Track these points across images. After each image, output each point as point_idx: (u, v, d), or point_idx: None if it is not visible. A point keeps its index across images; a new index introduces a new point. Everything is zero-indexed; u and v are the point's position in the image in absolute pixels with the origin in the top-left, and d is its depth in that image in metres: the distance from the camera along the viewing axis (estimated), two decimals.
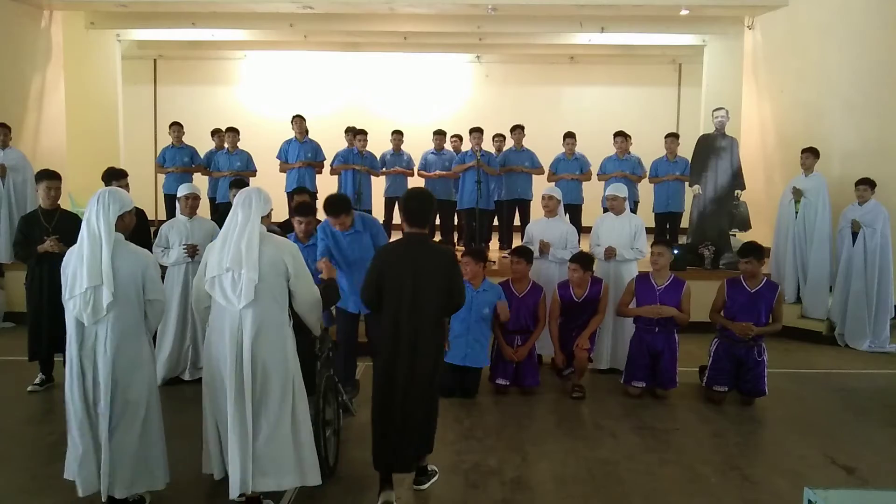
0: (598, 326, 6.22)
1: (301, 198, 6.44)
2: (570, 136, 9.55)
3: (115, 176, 6.21)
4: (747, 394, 5.81)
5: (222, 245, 3.71)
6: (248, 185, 6.83)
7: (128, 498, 3.79)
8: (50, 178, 5.82)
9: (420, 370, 3.91)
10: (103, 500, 3.70)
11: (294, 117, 9.72)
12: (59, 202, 5.93)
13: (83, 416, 3.67)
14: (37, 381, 5.93)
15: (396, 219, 10.18)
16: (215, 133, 9.98)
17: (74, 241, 5.47)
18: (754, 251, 5.91)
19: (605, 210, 6.82)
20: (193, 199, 6.14)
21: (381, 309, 3.99)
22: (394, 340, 3.91)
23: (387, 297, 3.93)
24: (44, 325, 5.76)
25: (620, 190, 6.63)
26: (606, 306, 6.17)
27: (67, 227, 5.79)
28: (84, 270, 3.57)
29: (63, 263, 3.73)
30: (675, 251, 8.51)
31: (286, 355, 3.74)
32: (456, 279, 4.03)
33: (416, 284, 3.89)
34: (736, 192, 8.62)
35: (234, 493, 3.64)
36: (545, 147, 9.90)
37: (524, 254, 6.14)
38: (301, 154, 9.57)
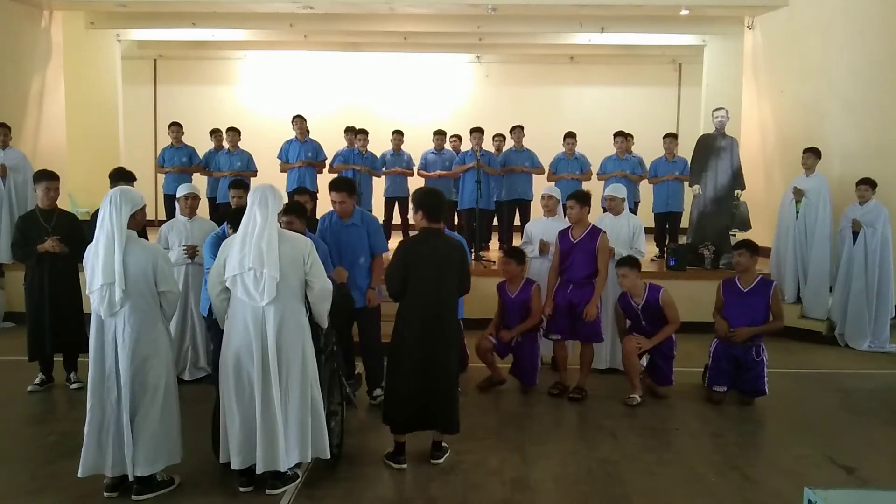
0: (602, 294, 5.89)
1: (301, 198, 6.42)
2: (570, 135, 9.55)
3: (123, 177, 6.20)
4: (747, 394, 5.81)
5: (242, 244, 3.95)
6: (248, 185, 6.83)
7: (156, 477, 4.02)
8: (49, 178, 5.83)
9: (447, 342, 4.42)
10: (130, 478, 3.94)
11: (294, 117, 9.72)
12: (57, 202, 5.93)
13: (97, 400, 3.90)
14: (37, 381, 5.94)
15: (396, 218, 10.29)
16: (214, 133, 9.98)
17: (73, 241, 5.53)
18: (747, 245, 5.93)
19: (605, 210, 6.81)
20: (193, 199, 6.14)
21: (404, 298, 4.42)
22: (422, 320, 4.36)
23: (413, 284, 4.38)
24: (45, 325, 5.77)
25: (619, 191, 6.61)
26: (607, 265, 5.86)
27: (66, 226, 5.80)
28: (99, 268, 3.82)
29: (84, 259, 3.97)
30: (674, 255, 8.54)
31: (304, 344, 4.06)
32: (466, 267, 4.62)
33: (439, 272, 4.41)
34: (736, 192, 8.62)
35: (261, 468, 3.96)
36: (545, 147, 9.90)
37: (514, 254, 6.10)
38: (302, 154, 9.57)
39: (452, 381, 4.52)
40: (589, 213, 5.95)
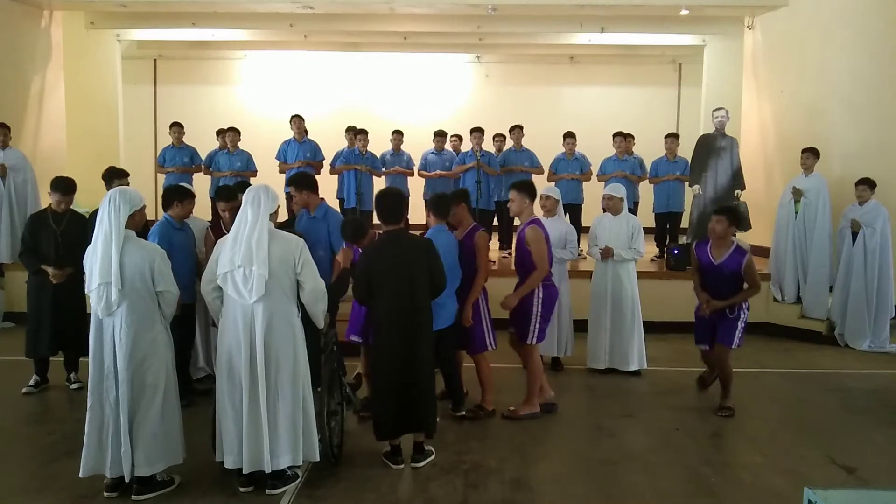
0: (480, 293, 5.37)
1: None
2: (570, 136, 9.55)
3: (116, 175, 6.20)
4: (718, 342, 5.63)
5: (233, 242, 3.96)
6: (249, 186, 6.83)
7: (156, 477, 4.02)
8: (64, 192, 5.76)
9: (422, 341, 4.39)
10: (126, 480, 3.93)
11: (292, 117, 9.71)
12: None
13: (96, 400, 3.92)
14: (31, 382, 5.92)
15: None
16: (220, 133, 9.97)
17: (82, 242, 5.58)
18: (728, 211, 5.72)
19: (604, 210, 6.81)
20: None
21: (371, 304, 4.44)
22: (396, 324, 4.33)
23: (378, 290, 4.36)
24: (46, 325, 5.76)
25: (617, 190, 6.61)
26: (486, 265, 5.39)
27: (76, 228, 5.79)
28: (97, 268, 3.83)
29: (84, 258, 4.00)
30: (676, 251, 8.54)
31: (296, 345, 4.04)
32: (434, 264, 4.45)
33: (404, 274, 4.33)
34: (736, 192, 8.63)
35: (247, 468, 3.96)
36: (545, 147, 9.90)
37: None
38: (300, 154, 9.55)
39: (430, 381, 4.48)
40: (464, 211, 5.46)
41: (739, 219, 5.80)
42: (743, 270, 5.55)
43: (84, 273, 4.00)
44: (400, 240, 4.45)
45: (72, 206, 5.98)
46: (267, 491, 4.04)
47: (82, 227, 5.88)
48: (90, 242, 3.98)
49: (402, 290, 4.33)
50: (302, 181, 5.60)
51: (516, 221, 9.50)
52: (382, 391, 4.43)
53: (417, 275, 4.36)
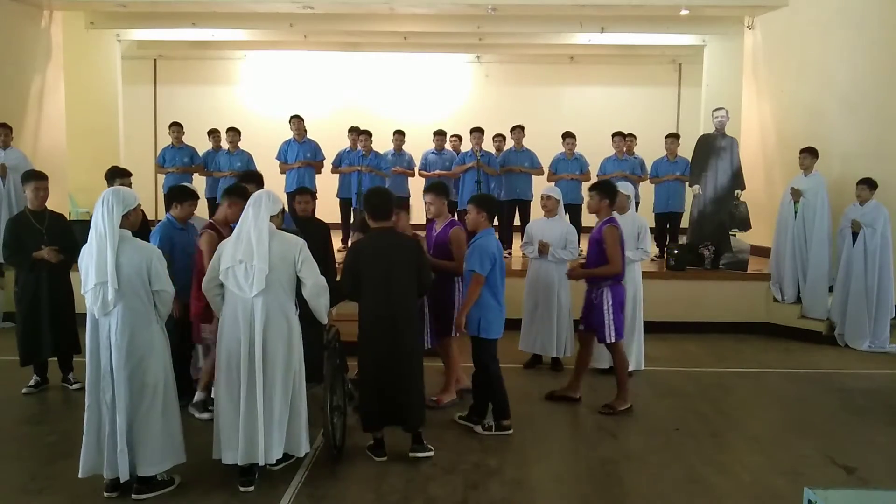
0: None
1: (303, 198, 6.36)
2: (569, 135, 9.54)
3: (118, 175, 6.19)
4: (598, 338, 5.64)
5: (236, 239, 4.08)
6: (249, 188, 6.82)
7: (156, 477, 4.03)
8: (38, 178, 5.78)
9: (404, 339, 4.46)
10: (122, 480, 3.93)
11: (292, 118, 9.69)
12: (47, 203, 5.89)
13: (93, 400, 3.93)
14: (31, 382, 5.91)
15: None
16: (211, 133, 9.97)
17: (66, 242, 5.58)
18: (599, 186, 5.68)
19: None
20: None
21: (359, 298, 4.52)
22: (377, 321, 4.44)
23: (365, 285, 4.45)
24: (42, 329, 5.72)
25: (624, 188, 6.56)
26: (461, 257, 5.29)
27: (59, 227, 5.79)
28: (93, 268, 3.84)
29: (79, 259, 4.01)
30: (676, 251, 8.56)
31: (291, 340, 4.13)
32: (423, 263, 4.61)
33: (391, 271, 4.44)
34: (736, 191, 8.62)
35: (242, 461, 4.03)
36: (545, 147, 9.89)
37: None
38: (300, 154, 9.54)
39: (414, 377, 4.54)
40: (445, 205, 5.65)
41: (611, 192, 5.64)
42: (602, 238, 5.45)
43: (73, 272, 3.99)
44: (389, 237, 4.58)
45: (72, 207, 5.97)
46: (241, 488, 4.07)
47: (65, 224, 5.92)
48: (84, 241, 3.98)
49: (388, 286, 4.43)
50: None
51: (516, 221, 9.62)
52: (366, 384, 4.52)
53: (404, 272, 4.47)
